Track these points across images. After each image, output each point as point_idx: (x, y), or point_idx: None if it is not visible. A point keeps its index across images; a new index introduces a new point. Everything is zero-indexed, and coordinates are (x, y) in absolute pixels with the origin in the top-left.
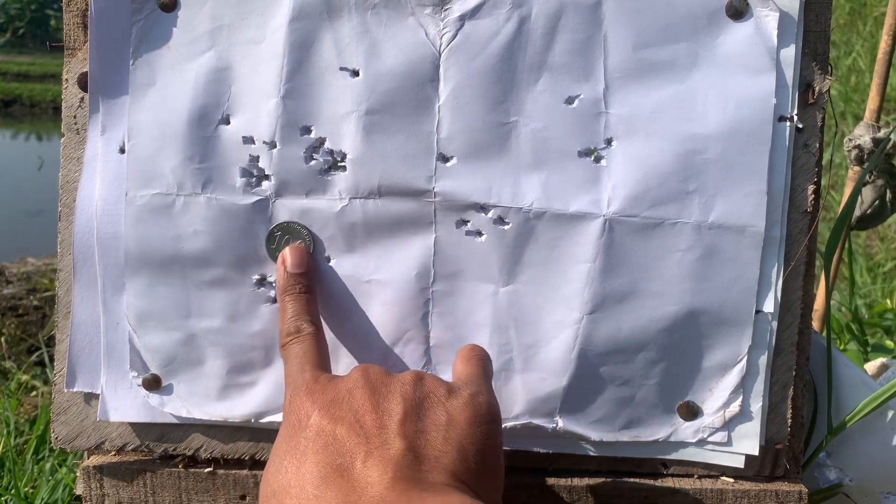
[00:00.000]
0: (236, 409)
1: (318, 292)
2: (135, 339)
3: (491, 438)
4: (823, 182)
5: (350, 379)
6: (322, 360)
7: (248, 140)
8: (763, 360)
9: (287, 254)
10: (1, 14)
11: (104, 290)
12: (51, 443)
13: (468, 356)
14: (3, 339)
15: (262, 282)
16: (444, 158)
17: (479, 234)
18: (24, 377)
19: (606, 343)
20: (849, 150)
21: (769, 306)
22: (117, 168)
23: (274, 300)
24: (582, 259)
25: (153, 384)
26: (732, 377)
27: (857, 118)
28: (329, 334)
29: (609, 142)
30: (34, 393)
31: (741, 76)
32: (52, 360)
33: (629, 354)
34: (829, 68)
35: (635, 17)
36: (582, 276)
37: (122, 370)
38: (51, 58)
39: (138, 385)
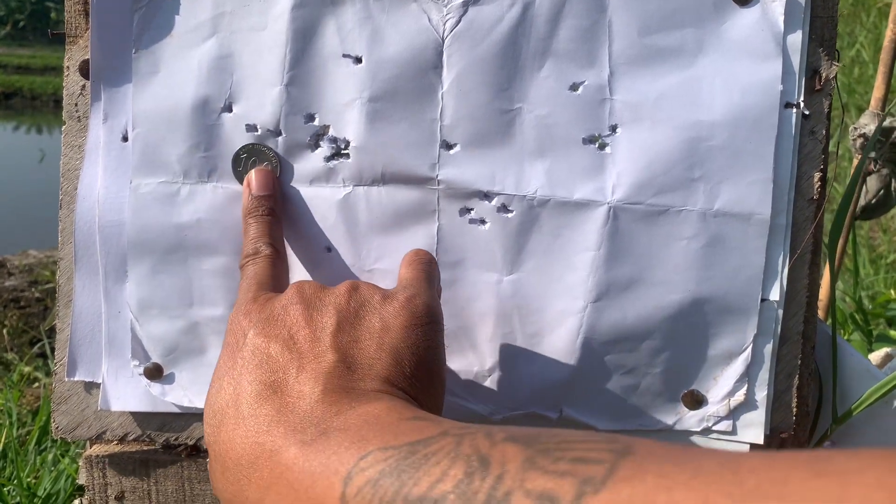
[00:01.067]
0: None
1: (282, 216)
2: (137, 328)
3: (428, 340)
4: (829, 172)
5: (285, 296)
6: (273, 283)
7: (252, 128)
8: (768, 349)
9: (252, 176)
10: (1, 6)
11: (106, 279)
12: (52, 433)
13: (411, 260)
14: (5, 331)
15: None
16: (448, 146)
17: (483, 222)
18: (27, 368)
19: (611, 332)
20: (854, 139)
21: (775, 294)
22: (120, 156)
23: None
24: (586, 247)
25: (155, 373)
26: (737, 366)
27: (861, 109)
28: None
29: (614, 129)
30: (36, 384)
31: (747, 62)
32: (53, 351)
33: (634, 343)
34: (837, 54)
35: (640, 3)
36: (586, 264)
37: (124, 359)
38: (51, 50)
39: (140, 374)
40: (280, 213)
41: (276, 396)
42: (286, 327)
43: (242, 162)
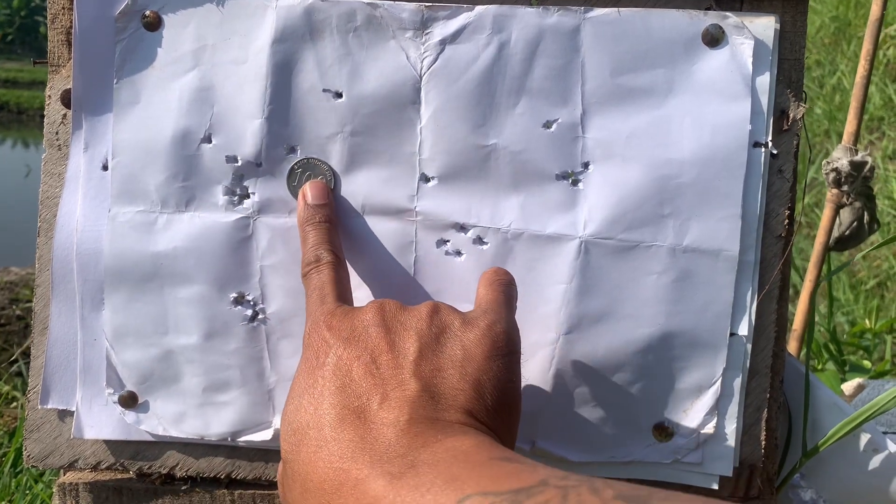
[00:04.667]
0: (212, 427)
1: (339, 226)
2: (112, 356)
3: (509, 372)
4: (807, 199)
5: (366, 314)
6: (341, 291)
7: (232, 159)
8: (737, 383)
9: (307, 187)
10: None
11: (82, 306)
12: (24, 461)
13: (491, 280)
14: None
15: (239, 300)
16: (426, 179)
17: (459, 253)
18: (5, 388)
19: (582, 364)
20: (827, 173)
21: (743, 329)
22: (99, 185)
23: (251, 319)
24: (559, 280)
25: (129, 401)
26: (707, 399)
27: (841, 136)
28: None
29: (586, 165)
30: (14, 405)
31: (717, 102)
32: None
33: (605, 375)
34: (804, 95)
35: (613, 44)
36: (558, 296)
37: (98, 387)
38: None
39: (114, 402)
40: (336, 222)
41: (360, 422)
42: (368, 350)
43: (297, 176)
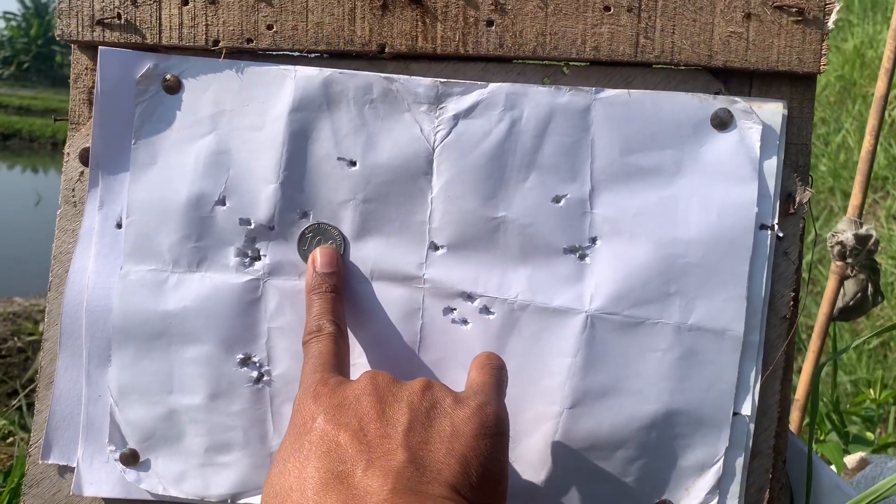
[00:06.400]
0: (213, 487)
1: (346, 295)
2: (116, 412)
3: (496, 452)
4: (812, 257)
5: (358, 384)
6: (338, 362)
7: (245, 222)
8: (740, 462)
9: (317, 254)
10: (7, 47)
11: (89, 362)
12: None
13: (483, 364)
14: None
15: (245, 361)
16: (435, 247)
17: (465, 322)
18: (2, 422)
19: (586, 438)
20: (831, 246)
21: (747, 409)
22: (112, 242)
23: (256, 380)
24: (564, 353)
25: (131, 459)
26: (709, 478)
27: (846, 193)
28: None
29: (593, 240)
30: (10, 440)
31: (724, 185)
32: (31, 406)
33: (608, 451)
34: (810, 179)
35: (623, 124)
36: (563, 369)
37: (100, 443)
38: (53, 92)
39: (115, 459)
40: (343, 292)
41: (343, 488)
42: (357, 417)
43: (308, 241)
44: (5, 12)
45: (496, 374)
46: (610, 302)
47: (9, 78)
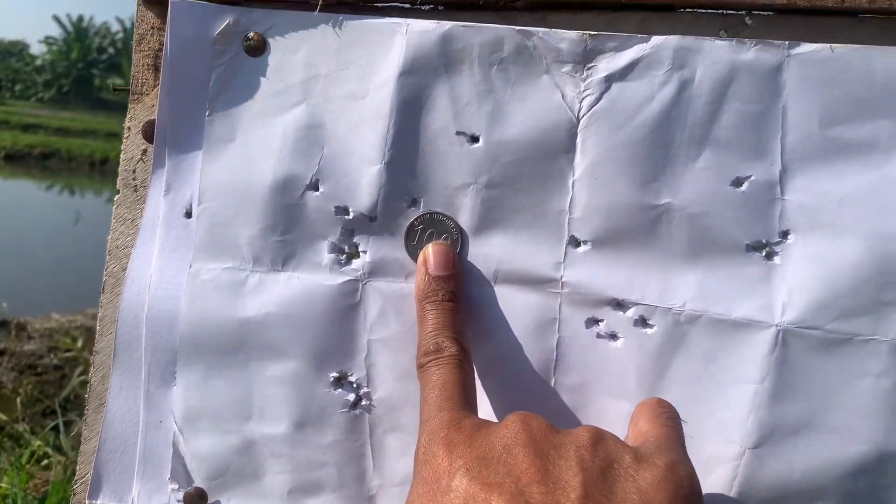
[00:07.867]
0: None
1: (464, 302)
2: (180, 443)
3: None
4: None
5: (506, 430)
6: (467, 394)
7: (342, 210)
8: None
9: (430, 251)
10: (48, 71)
11: (148, 381)
12: None
13: (656, 413)
14: (18, 399)
15: (340, 381)
16: (577, 243)
17: (615, 337)
18: (37, 443)
19: (773, 487)
20: None
21: None
22: (181, 234)
23: (353, 405)
24: (746, 378)
25: (197, 500)
26: None
27: None
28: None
29: (785, 235)
30: (45, 462)
31: None
32: (67, 425)
33: (802, 502)
34: None
35: (824, 88)
36: (746, 399)
37: (160, 480)
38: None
39: (178, 501)
40: (463, 299)
41: None
42: (512, 477)
43: (417, 234)
44: (47, 37)
45: (677, 426)
46: (808, 313)
47: (49, 101)
